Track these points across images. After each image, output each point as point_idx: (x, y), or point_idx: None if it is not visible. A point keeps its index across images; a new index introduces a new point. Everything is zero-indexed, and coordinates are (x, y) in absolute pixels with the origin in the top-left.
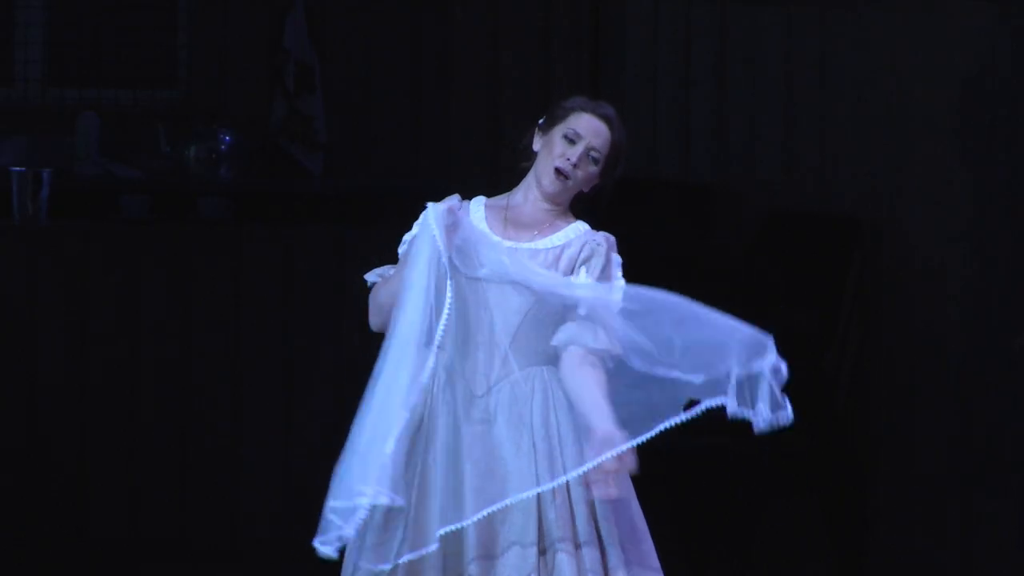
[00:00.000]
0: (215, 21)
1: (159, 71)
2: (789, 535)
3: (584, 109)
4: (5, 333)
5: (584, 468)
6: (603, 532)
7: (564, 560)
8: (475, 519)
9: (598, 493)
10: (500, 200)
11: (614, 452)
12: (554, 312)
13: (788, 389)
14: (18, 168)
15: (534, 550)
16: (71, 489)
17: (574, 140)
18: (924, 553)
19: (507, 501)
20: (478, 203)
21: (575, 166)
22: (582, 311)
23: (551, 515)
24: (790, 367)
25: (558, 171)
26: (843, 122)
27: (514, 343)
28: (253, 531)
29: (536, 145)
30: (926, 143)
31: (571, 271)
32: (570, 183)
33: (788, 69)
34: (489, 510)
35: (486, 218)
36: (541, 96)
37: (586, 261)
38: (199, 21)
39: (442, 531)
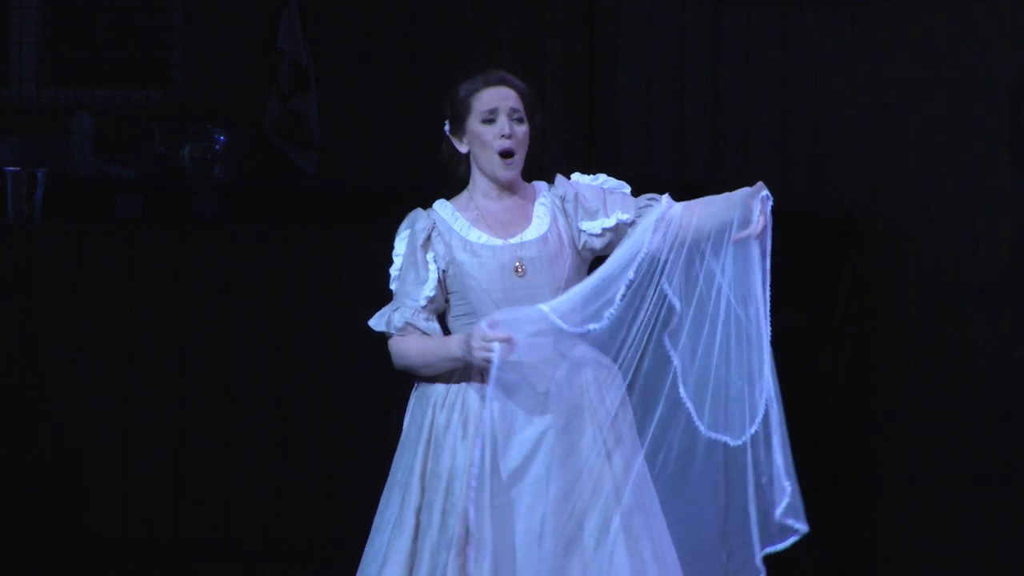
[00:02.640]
0: (209, 21)
1: (153, 71)
2: None
3: (478, 88)
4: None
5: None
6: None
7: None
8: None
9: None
10: (465, 204)
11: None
12: (579, 273)
13: (784, 390)
14: (12, 168)
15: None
16: (67, 489)
17: (493, 118)
18: (922, 554)
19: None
20: (444, 207)
21: (511, 136)
22: (629, 218)
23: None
24: (785, 368)
25: (503, 153)
26: (838, 122)
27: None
28: (246, 530)
29: (462, 147)
30: (922, 143)
31: (573, 244)
32: (518, 156)
33: (783, 69)
34: None
35: (471, 223)
36: (537, 96)
37: (582, 219)
38: (193, 21)
39: None
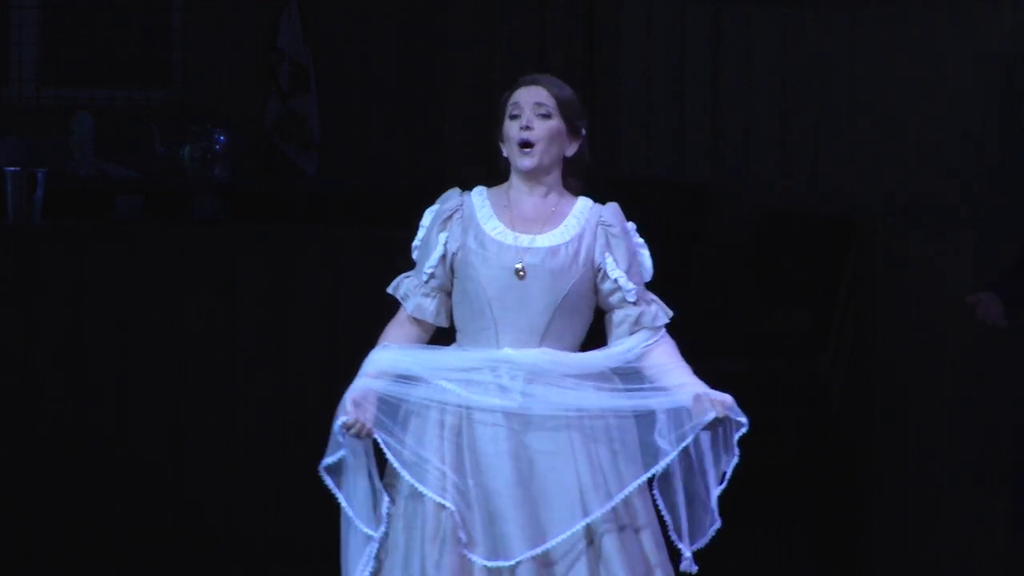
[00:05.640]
0: (209, 21)
1: (153, 71)
2: (783, 537)
3: (513, 91)
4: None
5: (641, 478)
6: (639, 519)
7: (610, 541)
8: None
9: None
10: (499, 194)
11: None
12: (583, 297)
13: (784, 390)
14: (12, 168)
15: (583, 542)
16: (67, 489)
17: (519, 113)
18: (922, 554)
19: (554, 541)
20: (479, 193)
21: (529, 128)
22: (631, 298)
23: (595, 508)
24: (785, 368)
25: (521, 144)
26: (838, 122)
27: (544, 339)
28: (247, 530)
29: (504, 150)
30: (922, 143)
31: (591, 263)
32: (539, 147)
33: (783, 69)
34: (538, 551)
35: (493, 211)
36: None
37: (609, 252)
38: (193, 21)
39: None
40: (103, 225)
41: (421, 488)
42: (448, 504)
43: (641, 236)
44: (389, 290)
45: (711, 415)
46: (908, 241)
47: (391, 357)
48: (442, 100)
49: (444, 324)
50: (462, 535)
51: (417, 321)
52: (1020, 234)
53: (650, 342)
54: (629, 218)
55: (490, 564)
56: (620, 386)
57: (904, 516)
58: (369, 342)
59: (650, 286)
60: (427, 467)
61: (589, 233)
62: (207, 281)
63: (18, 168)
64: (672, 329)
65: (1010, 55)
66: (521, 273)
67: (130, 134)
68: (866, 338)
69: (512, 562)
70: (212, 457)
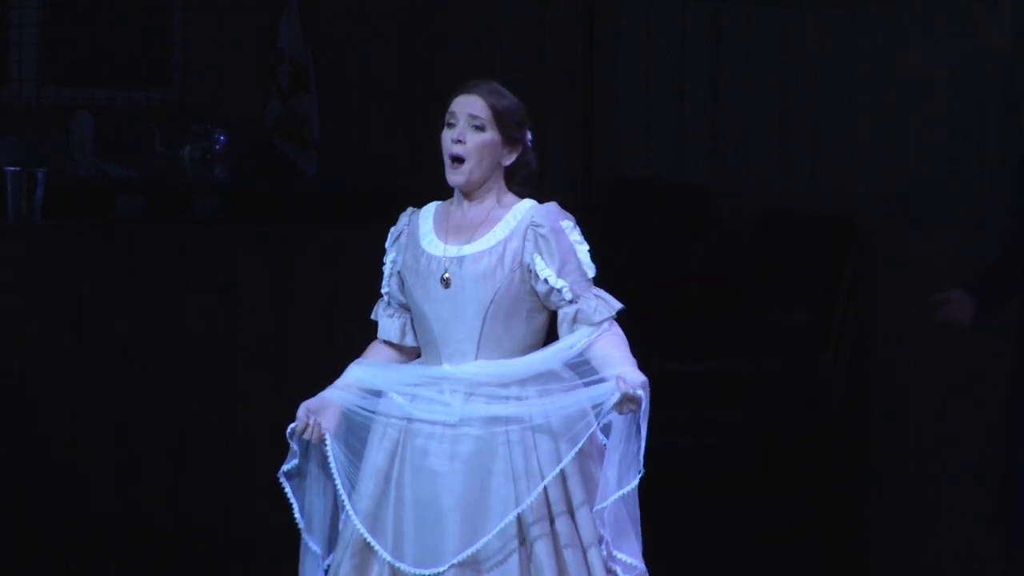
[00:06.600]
0: (209, 21)
1: (153, 71)
2: (783, 537)
3: (454, 95)
4: None
5: (576, 448)
6: (573, 500)
7: (541, 544)
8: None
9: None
10: (445, 208)
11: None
12: (516, 300)
13: (784, 390)
14: (12, 168)
15: (515, 541)
16: (67, 489)
17: (453, 123)
18: (922, 554)
19: (489, 536)
20: (428, 210)
21: (460, 141)
22: (567, 296)
23: (525, 513)
24: (785, 368)
25: (451, 158)
26: (838, 122)
27: (481, 347)
28: (247, 531)
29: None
30: (922, 143)
31: (520, 265)
32: (468, 164)
33: (783, 69)
34: (469, 552)
35: (433, 225)
36: (536, 95)
37: (537, 252)
38: (193, 21)
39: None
40: (103, 225)
41: (344, 500)
42: (359, 526)
43: (641, 236)
44: (372, 316)
45: (616, 396)
46: (908, 241)
47: (361, 372)
48: (442, 100)
49: (411, 344)
50: (375, 544)
51: (388, 342)
52: (1006, 235)
53: (592, 336)
54: (628, 217)
55: (422, 572)
56: (574, 380)
57: (904, 516)
58: (369, 342)
59: (649, 286)
60: (360, 480)
61: (518, 236)
62: (207, 281)
63: (18, 168)
64: (673, 329)
65: (1010, 55)
66: (447, 282)
67: (130, 134)
68: (866, 338)
69: (442, 568)
70: (212, 457)
